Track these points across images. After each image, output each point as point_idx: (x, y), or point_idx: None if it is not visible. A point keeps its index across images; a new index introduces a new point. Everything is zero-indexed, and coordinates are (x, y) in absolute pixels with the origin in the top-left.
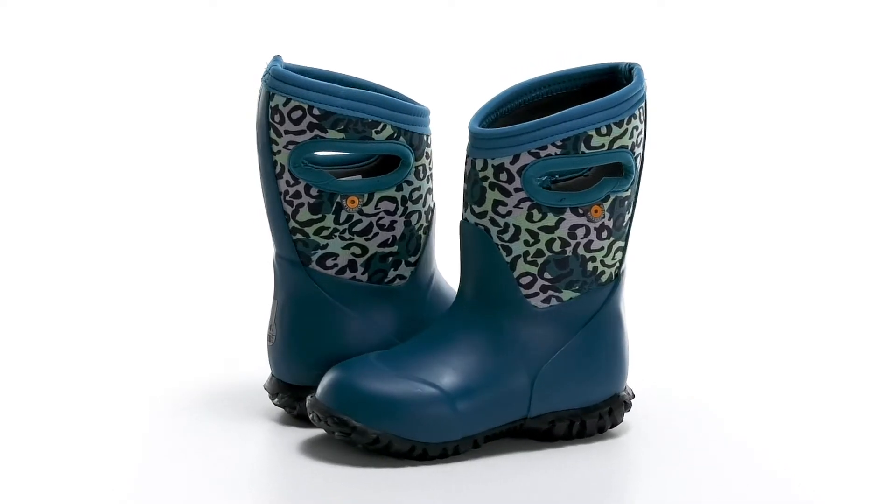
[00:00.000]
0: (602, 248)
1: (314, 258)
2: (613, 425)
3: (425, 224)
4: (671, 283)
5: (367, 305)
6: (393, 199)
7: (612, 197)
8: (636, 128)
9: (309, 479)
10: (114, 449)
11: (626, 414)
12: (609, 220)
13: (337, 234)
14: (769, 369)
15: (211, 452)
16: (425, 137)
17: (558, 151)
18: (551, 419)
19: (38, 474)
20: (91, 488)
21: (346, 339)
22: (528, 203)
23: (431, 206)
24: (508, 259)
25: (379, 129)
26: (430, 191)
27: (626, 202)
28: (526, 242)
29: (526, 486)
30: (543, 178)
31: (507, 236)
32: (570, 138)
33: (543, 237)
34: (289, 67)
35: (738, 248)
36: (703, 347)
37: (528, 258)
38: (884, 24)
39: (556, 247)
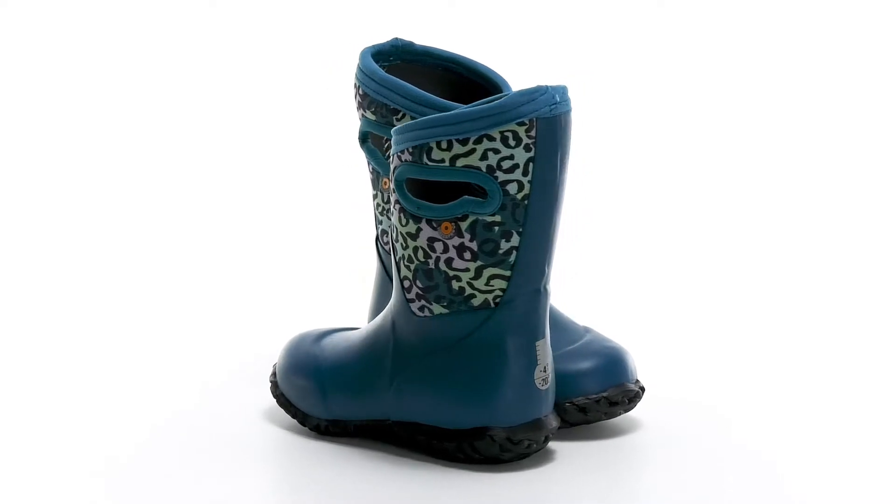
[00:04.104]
0: (467, 270)
1: (378, 231)
2: (488, 460)
3: None
4: (669, 283)
5: None
6: None
7: (473, 218)
8: (495, 150)
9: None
10: (174, 403)
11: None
12: (471, 241)
13: (387, 212)
14: (768, 371)
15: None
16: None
17: (410, 158)
18: (411, 430)
19: (72, 440)
20: (132, 450)
21: None
22: (398, 206)
23: None
24: (395, 259)
25: (399, 116)
26: None
27: (498, 228)
28: (402, 246)
29: (520, 484)
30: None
31: (393, 235)
32: (417, 147)
33: (410, 243)
34: (416, 47)
35: (739, 252)
36: (702, 349)
37: (405, 262)
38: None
39: (420, 256)
